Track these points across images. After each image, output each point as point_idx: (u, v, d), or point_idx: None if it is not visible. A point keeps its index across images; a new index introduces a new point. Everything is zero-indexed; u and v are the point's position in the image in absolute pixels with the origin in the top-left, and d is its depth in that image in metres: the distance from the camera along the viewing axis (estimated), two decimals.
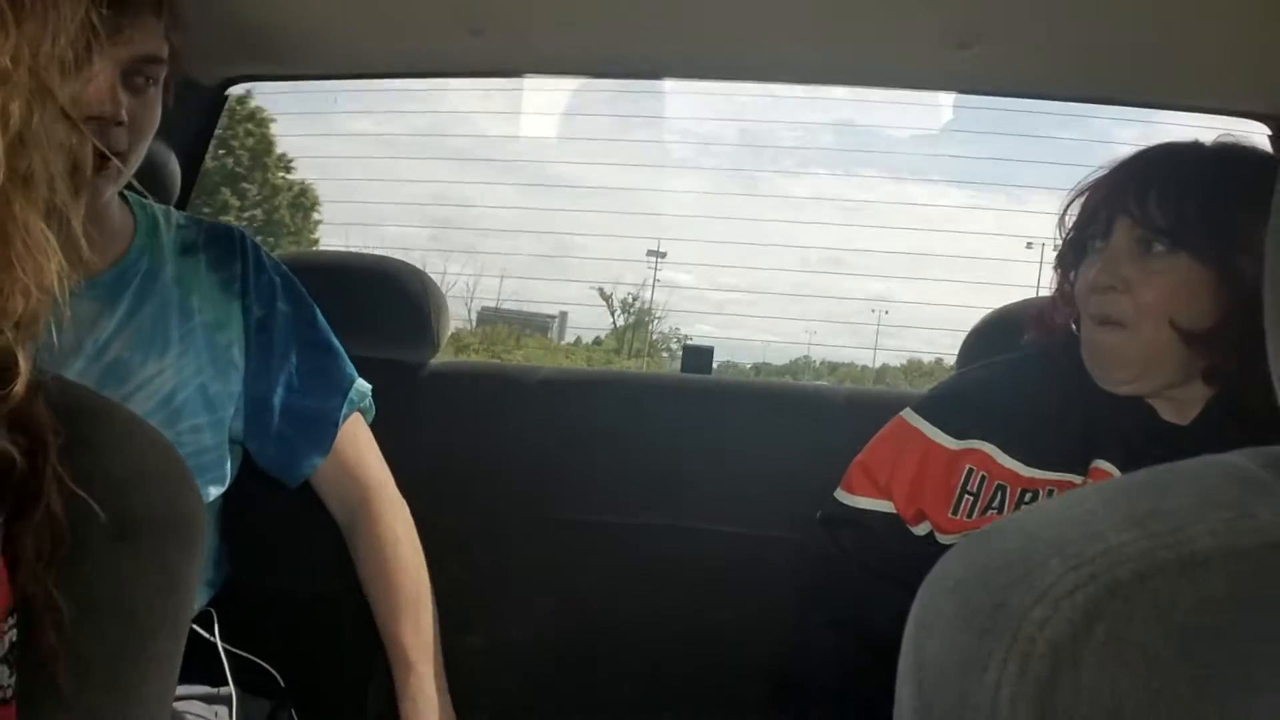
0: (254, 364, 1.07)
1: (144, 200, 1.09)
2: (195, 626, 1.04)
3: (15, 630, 0.40)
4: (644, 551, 1.29)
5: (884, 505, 0.99)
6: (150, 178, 0.97)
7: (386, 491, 1.12)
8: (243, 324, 1.07)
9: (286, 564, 1.16)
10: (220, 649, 1.04)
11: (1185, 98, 1.23)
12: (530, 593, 1.28)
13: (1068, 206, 0.97)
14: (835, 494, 1.03)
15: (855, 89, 1.40)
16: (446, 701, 1.08)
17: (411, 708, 1.05)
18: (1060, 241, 0.98)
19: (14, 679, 0.40)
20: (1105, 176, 0.94)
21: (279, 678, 1.10)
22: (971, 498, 0.95)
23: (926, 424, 0.99)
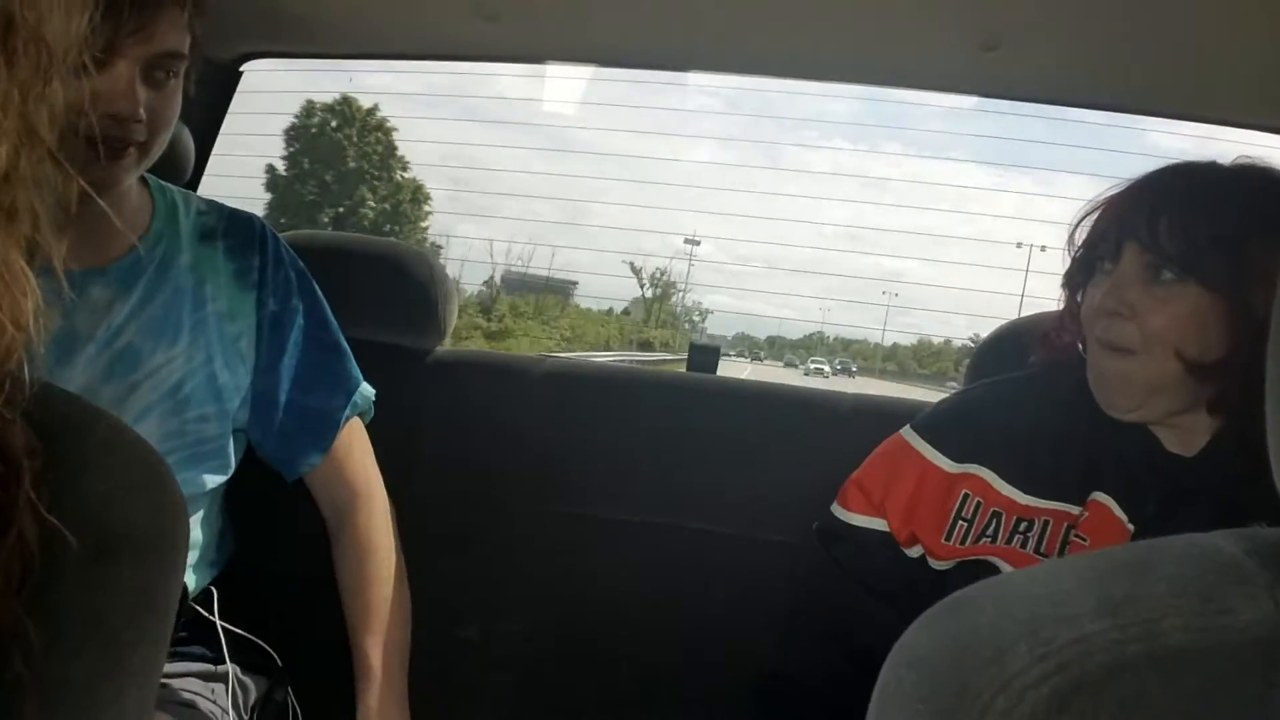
0: (264, 358, 1.08)
1: (164, 184, 1.09)
2: (195, 605, 1.05)
3: None
4: (642, 549, 1.28)
5: (879, 524, 0.98)
6: (163, 155, 0.96)
7: (375, 500, 1.13)
8: (255, 317, 1.07)
9: (286, 545, 1.17)
10: (219, 627, 1.06)
11: (1215, 110, 1.19)
12: (528, 586, 1.28)
13: (1078, 224, 0.95)
14: (832, 508, 1.03)
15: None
16: (405, 716, 1.09)
17: (365, 717, 1.07)
18: (1069, 258, 0.96)
19: None
20: (1117, 196, 0.92)
21: (276, 657, 1.12)
22: (966, 524, 0.93)
23: (926, 445, 0.98)
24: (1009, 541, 0.92)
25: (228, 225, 1.09)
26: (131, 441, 0.52)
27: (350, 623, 1.11)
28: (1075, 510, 0.90)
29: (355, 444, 1.14)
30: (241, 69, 1.43)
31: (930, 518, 0.95)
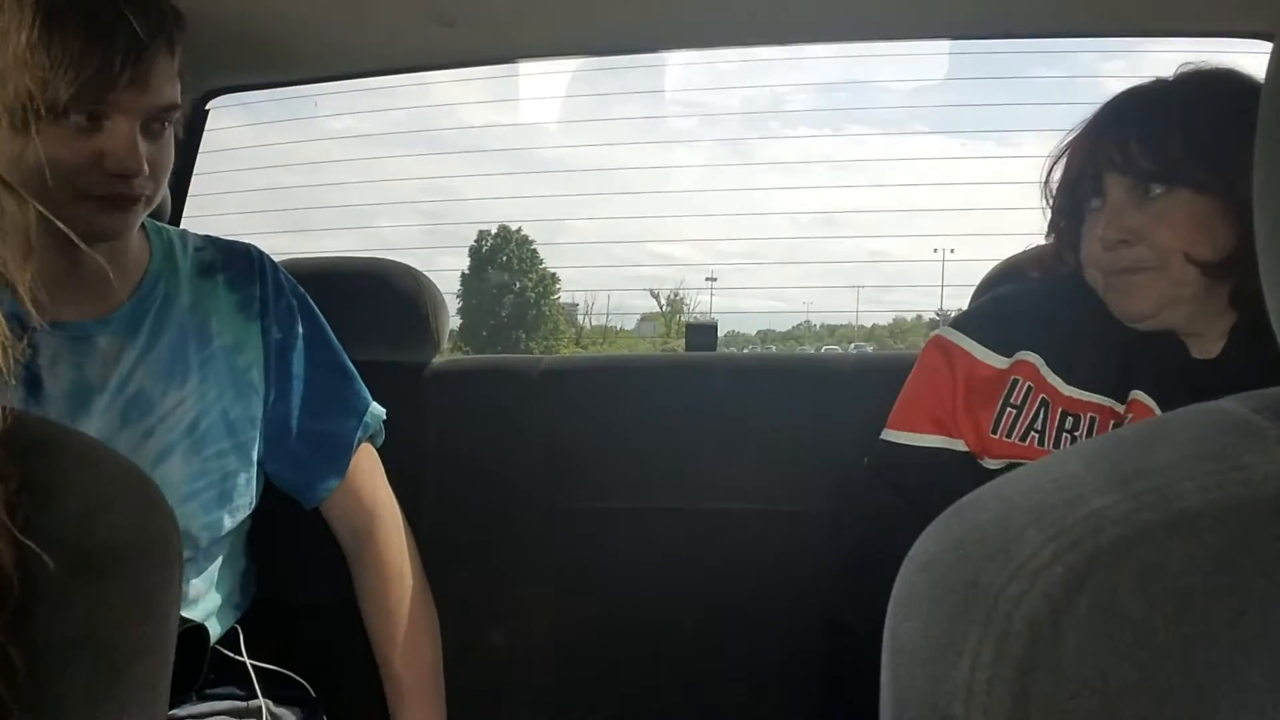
0: (274, 388, 1.07)
1: (159, 225, 1.09)
2: (220, 647, 1.04)
3: None
4: (661, 535, 1.27)
5: (950, 443, 0.95)
6: None
7: (391, 521, 1.13)
8: (262, 346, 1.07)
9: (314, 574, 1.16)
10: (248, 666, 1.05)
11: (1183, 20, 1.17)
12: (550, 586, 1.27)
13: (1049, 172, 0.95)
14: (885, 435, 0.99)
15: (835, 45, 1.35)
16: None
17: None
18: (1047, 210, 0.96)
19: None
20: (1079, 136, 0.92)
21: (309, 688, 1.11)
22: (1015, 411, 0.92)
23: (971, 342, 0.96)
24: (1057, 442, 0.90)
25: (226, 258, 1.08)
26: (108, 457, 0.51)
27: (377, 646, 1.10)
28: (1119, 407, 0.90)
29: (368, 466, 1.13)
30: (208, 106, 1.43)
31: (980, 411, 0.93)
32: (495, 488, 1.19)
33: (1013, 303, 0.99)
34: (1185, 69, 0.91)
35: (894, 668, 0.33)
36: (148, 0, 0.89)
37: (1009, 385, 0.93)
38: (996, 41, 1.32)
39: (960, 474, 0.92)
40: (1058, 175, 0.95)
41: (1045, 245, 1.03)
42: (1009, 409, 0.92)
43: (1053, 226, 0.97)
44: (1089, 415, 0.90)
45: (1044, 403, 0.91)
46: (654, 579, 1.26)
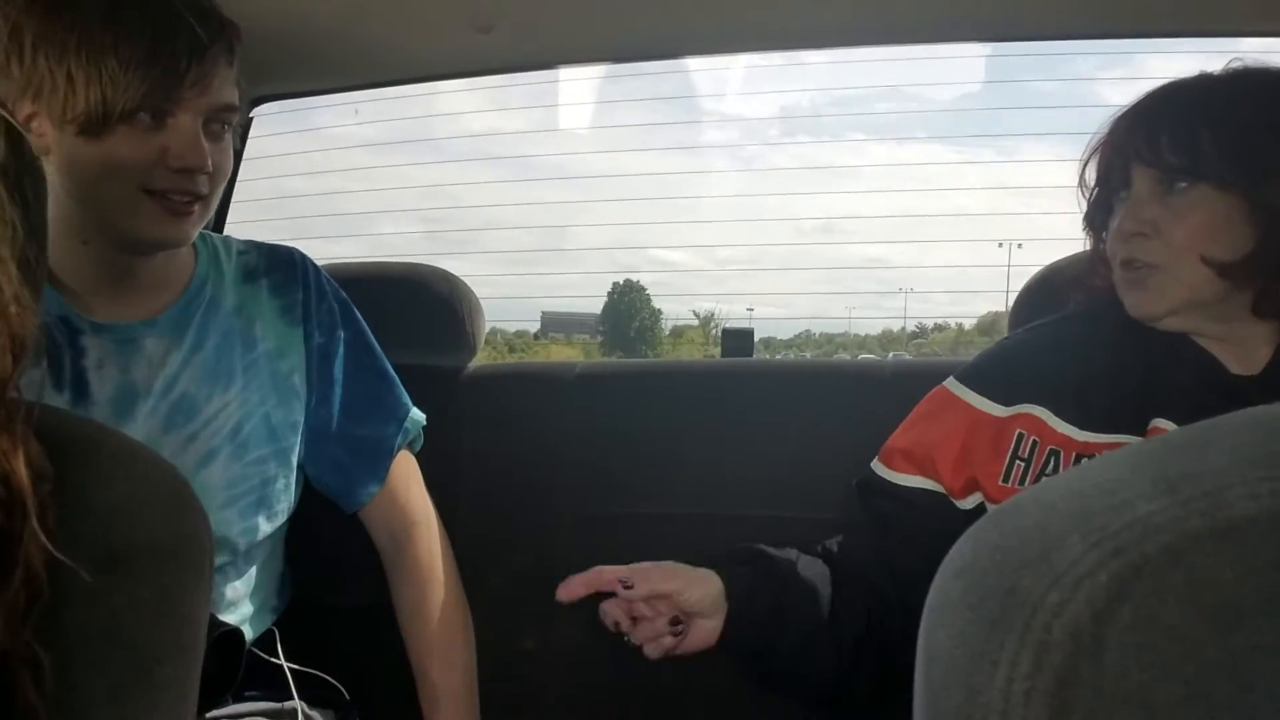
0: (315, 392, 1.08)
1: (204, 230, 1.10)
2: (256, 650, 1.05)
3: None
4: (697, 543, 1.24)
5: (926, 483, 0.95)
6: None
7: (430, 526, 1.12)
8: (304, 351, 1.07)
9: (349, 577, 1.16)
10: (285, 669, 1.05)
11: (1225, 21, 1.14)
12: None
13: (1084, 167, 0.93)
14: (873, 465, 0.99)
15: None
16: None
17: None
18: (1084, 201, 0.94)
19: None
20: (1111, 129, 0.90)
21: (343, 690, 1.11)
22: (1023, 464, 0.90)
23: (971, 393, 0.94)
24: None
25: (269, 262, 1.09)
26: (142, 455, 0.51)
27: (413, 651, 1.10)
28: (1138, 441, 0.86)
29: (407, 471, 1.13)
30: (251, 114, 1.45)
31: (987, 462, 0.91)
32: (529, 492, 1.19)
33: (1020, 352, 0.97)
34: (1233, 64, 0.88)
35: (927, 678, 0.32)
36: (205, 6, 0.92)
37: (1015, 439, 0.91)
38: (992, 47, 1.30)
39: (930, 510, 0.93)
40: (1092, 170, 0.94)
41: (1081, 254, 1.01)
42: (1018, 462, 0.90)
43: (1087, 219, 0.95)
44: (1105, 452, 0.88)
45: (1054, 453, 0.89)
46: None
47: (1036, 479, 0.89)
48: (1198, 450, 0.32)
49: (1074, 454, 0.88)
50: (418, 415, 1.14)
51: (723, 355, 1.42)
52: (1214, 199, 0.82)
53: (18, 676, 0.40)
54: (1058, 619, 0.29)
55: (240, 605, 1.06)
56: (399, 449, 1.12)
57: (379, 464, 1.10)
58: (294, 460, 1.06)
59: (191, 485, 0.98)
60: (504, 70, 1.43)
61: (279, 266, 1.09)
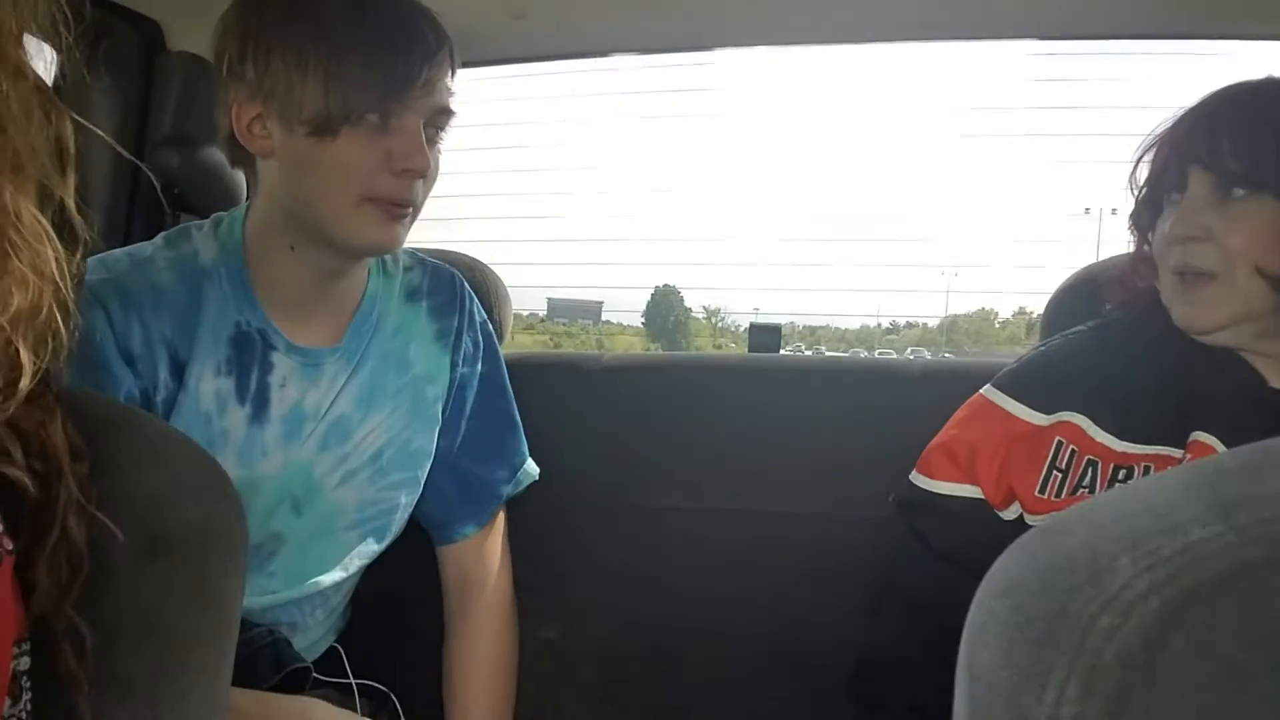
0: (448, 421, 1.06)
1: None
2: (317, 675, 1.01)
3: (28, 658, 0.40)
4: (721, 537, 1.26)
5: (968, 490, 0.93)
6: None
7: (501, 578, 1.10)
8: (449, 379, 1.06)
9: (409, 599, 1.14)
10: (353, 685, 1.03)
11: None
12: (606, 583, 1.26)
13: (1137, 163, 0.91)
14: (911, 477, 0.98)
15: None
16: None
17: None
18: (1133, 200, 0.92)
19: (24, 707, 0.40)
20: (1171, 127, 0.88)
21: (398, 707, 1.08)
22: (1060, 474, 0.88)
23: (1011, 401, 0.93)
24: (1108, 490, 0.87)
25: (432, 283, 1.07)
26: (181, 443, 0.52)
27: (448, 702, 1.08)
28: (1177, 454, 0.86)
29: (499, 520, 1.11)
30: None
31: (1024, 472, 0.90)
32: (553, 483, 1.19)
33: (1060, 359, 0.95)
34: None
35: (970, 698, 0.31)
36: (431, 11, 0.91)
37: (1053, 447, 0.89)
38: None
39: (973, 519, 0.92)
40: (1144, 166, 0.92)
41: (1123, 256, 0.99)
42: (1055, 472, 0.89)
43: (1134, 218, 0.94)
44: (1143, 465, 0.86)
45: (1091, 463, 0.88)
46: (711, 579, 1.24)
47: (1073, 490, 0.88)
48: (1253, 474, 0.31)
49: (1111, 464, 0.87)
50: (531, 467, 1.12)
51: (750, 350, 1.41)
52: (1273, 209, 0.81)
53: (60, 647, 0.40)
54: (1109, 643, 0.28)
55: (327, 620, 1.06)
56: (507, 497, 1.10)
57: (484, 508, 1.09)
58: (420, 489, 1.05)
59: (327, 503, 0.98)
60: (536, 58, 1.42)
61: (441, 289, 1.07)
